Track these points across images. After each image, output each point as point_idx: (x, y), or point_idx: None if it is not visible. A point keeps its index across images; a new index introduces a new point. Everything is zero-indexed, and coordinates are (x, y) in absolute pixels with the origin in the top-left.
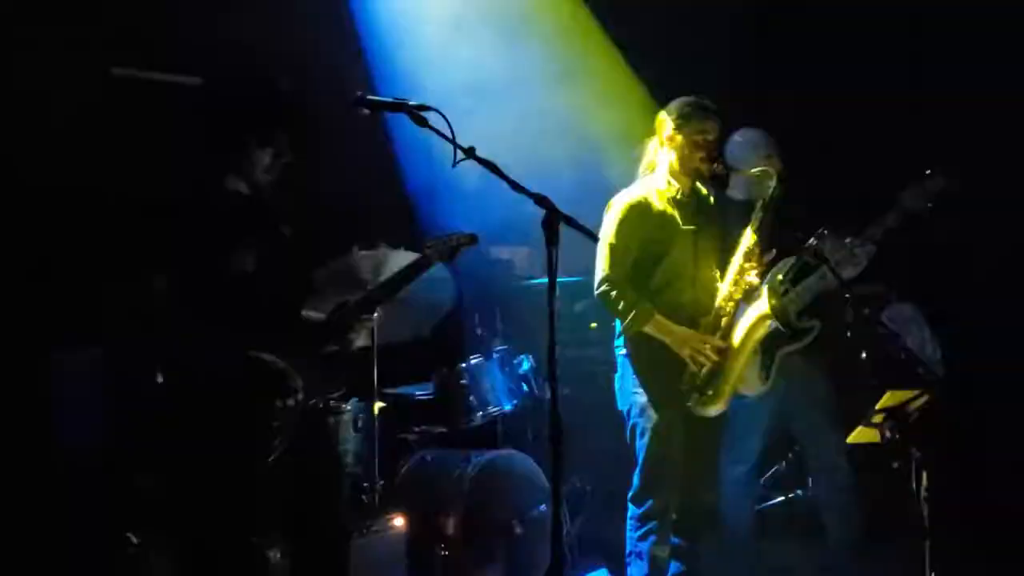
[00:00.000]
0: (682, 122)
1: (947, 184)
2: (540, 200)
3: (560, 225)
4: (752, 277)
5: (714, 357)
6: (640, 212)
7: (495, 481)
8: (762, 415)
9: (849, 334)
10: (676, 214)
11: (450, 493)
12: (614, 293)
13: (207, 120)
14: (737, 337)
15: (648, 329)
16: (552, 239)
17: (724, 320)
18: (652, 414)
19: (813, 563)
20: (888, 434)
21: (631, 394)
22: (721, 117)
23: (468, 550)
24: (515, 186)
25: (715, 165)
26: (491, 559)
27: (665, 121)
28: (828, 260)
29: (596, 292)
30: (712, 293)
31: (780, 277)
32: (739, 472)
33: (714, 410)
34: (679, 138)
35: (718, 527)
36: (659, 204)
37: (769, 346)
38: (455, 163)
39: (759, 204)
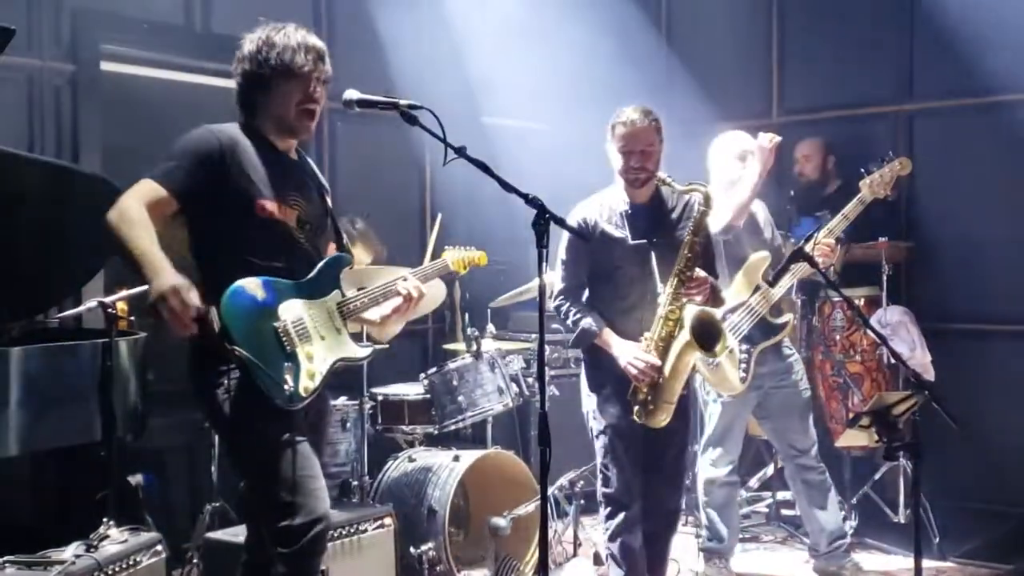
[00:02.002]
0: (609, 132)
1: (905, 168)
2: (531, 200)
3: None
4: (687, 296)
5: (650, 374)
6: (588, 229)
7: (484, 481)
8: (742, 413)
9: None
10: (626, 228)
11: (439, 492)
12: (565, 308)
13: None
14: (670, 359)
15: (596, 343)
16: (542, 240)
17: (662, 340)
18: (603, 416)
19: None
20: (877, 437)
21: (586, 398)
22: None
23: (456, 549)
24: (506, 186)
25: (656, 177)
26: (479, 558)
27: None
28: (815, 262)
29: (552, 306)
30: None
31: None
32: (722, 472)
33: (659, 421)
34: (613, 152)
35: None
36: (608, 219)
37: (747, 345)
38: (445, 162)
39: (690, 225)
